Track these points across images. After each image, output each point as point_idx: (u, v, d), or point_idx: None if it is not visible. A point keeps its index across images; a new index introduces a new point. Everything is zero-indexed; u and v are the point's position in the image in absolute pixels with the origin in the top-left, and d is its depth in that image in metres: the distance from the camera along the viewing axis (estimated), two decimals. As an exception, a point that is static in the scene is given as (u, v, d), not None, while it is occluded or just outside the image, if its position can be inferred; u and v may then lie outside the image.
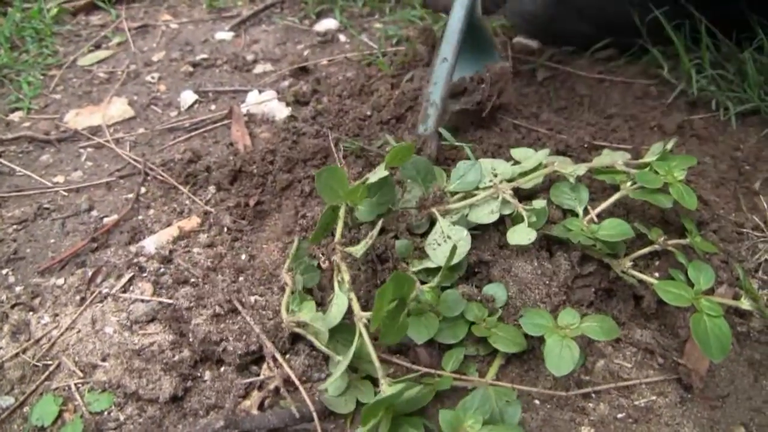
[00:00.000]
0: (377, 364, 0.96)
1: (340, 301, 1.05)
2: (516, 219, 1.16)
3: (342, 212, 1.14)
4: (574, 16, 1.85)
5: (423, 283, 1.10)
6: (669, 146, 1.23)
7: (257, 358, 1.11)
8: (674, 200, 1.16)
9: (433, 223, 1.18)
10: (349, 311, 1.03)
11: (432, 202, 1.19)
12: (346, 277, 1.06)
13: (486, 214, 1.17)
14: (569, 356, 0.98)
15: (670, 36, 1.71)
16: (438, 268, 1.10)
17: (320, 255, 1.20)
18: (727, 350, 0.98)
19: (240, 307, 1.14)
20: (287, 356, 1.09)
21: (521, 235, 1.12)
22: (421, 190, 1.21)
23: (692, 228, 1.18)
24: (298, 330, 1.07)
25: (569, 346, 0.99)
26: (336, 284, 1.08)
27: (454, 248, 1.04)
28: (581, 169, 1.22)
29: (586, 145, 1.47)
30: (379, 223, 1.11)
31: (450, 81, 1.39)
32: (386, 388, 0.94)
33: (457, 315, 1.08)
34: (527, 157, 1.29)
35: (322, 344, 1.03)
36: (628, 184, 1.20)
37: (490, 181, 1.22)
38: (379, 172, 1.14)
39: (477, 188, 1.21)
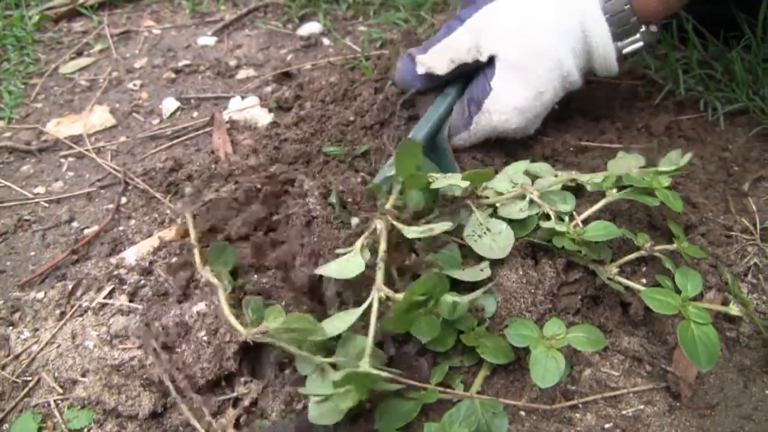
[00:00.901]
0: (370, 340, 0.94)
1: (358, 260, 1.03)
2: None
3: (397, 188, 1.13)
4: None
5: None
6: (686, 159, 1.22)
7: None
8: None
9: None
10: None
11: (466, 195, 1.18)
12: (383, 246, 1.04)
13: (516, 212, 1.17)
14: (555, 368, 0.97)
15: (657, 35, 1.70)
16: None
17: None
18: (715, 359, 0.96)
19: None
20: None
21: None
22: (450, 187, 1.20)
23: (679, 233, 1.16)
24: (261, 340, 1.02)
25: (555, 357, 0.98)
26: (359, 244, 1.06)
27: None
28: (599, 177, 1.22)
29: (572, 149, 1.46)
30: (446, 225, 1.08)
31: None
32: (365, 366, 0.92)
33: (448, 322, 1.06)
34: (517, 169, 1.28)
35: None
36: (614, 191, 1.18)
37: (513, 186, 1.21)
38: (452, 178, 1.15)
39: (498, 193, 1.21)
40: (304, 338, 0.97)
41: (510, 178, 1.24)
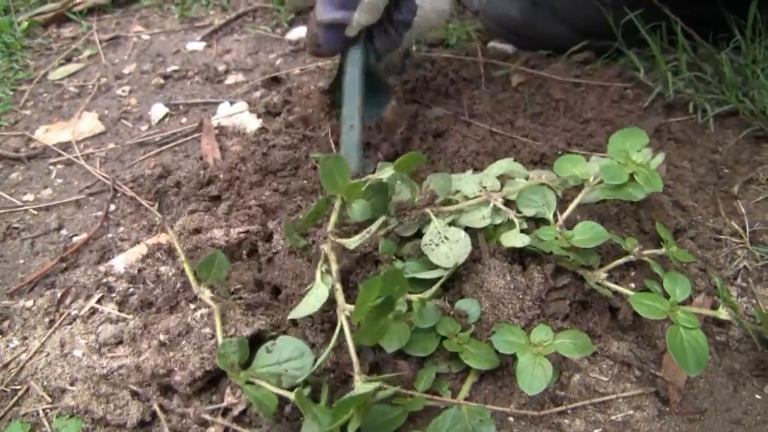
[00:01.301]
0: (355, 358, 0.94)
1: (320, 291, 1.03)
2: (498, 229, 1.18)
3: (337, 205, 1.12)
4: (549, 19, 1.84)
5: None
6: (660, 160, 1.22)
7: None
8: (646, 206, 1.15)
9: (420, 229, 1.18)
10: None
11: (425, 203, 1.18)
12: (334, 267, 1.04)
13: (478, 219, 1.17)
14: (542, 374, 0.96)
15: (646, 38, 1.69)
16: (424, 281, 1.10)
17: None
18: (704, 364, 0.96)
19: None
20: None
21: (514, 238, 1.12)
22: (410, 193, 1.20)
23: (668, 237, 1.16)
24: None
25: (542, 363, 0.97)
26: (318, 275, 1.06)
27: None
28: (578, 171, 1.22)
29: (560, 152, 1.45)
30: (381, 220, 1.10)
31: (361, 148, 1.38)
32: (360, 386, 0.91)
33: (429, 327, 1.05)
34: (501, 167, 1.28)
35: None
36: (591, 179, 1.19)
37: (480, 191, 1.21)
38: (386, 172, 1.14)
39: (466, 198, 1.21)
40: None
41: (480, 180, 1.24)
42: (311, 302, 1.02)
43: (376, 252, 1.16)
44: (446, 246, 1.11)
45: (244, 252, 1.26)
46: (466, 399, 1.02)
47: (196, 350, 1.06)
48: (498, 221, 1.17)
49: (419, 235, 1.17)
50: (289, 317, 1.05)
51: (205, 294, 1.08)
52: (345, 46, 1.40)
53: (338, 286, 1.02)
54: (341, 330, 0.97)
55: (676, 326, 0.99)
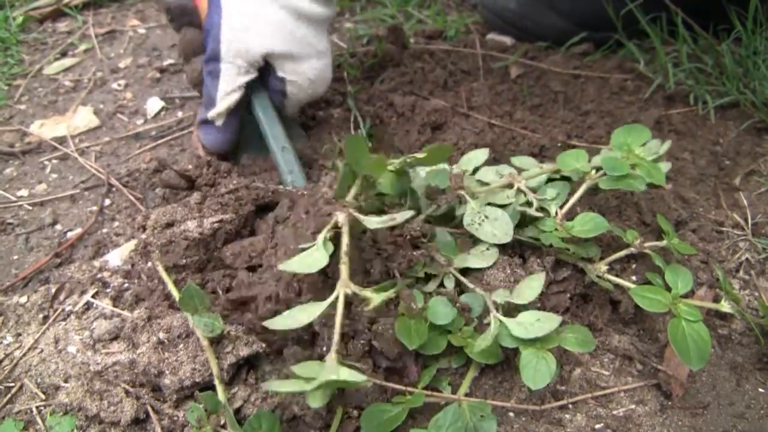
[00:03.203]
0: (337, 337, 0.89)
1: (319, 255, 0.97)
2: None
3: (359, 180, 1.10)
4: (547, 10, 1.83)
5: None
6: (665, 149, 1.21)
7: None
8: (647, 198, 1.14)
9: (450, 211, 1.19)
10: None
11: (456, 187, 1.17)
12: (346, 240, 0.98)
13: (502, 199, 1.16)
14: (546, 369, 0.95)
15: (646, 29, 1.68)
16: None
17: None
18: (706, 357, 0.95)
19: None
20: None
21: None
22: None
23: (669, 229, 1.15)
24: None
25: (545, 358, 0.96)
26: (321, 238, 1.00)
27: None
28: (580, 163, 1.21)
29: (560, 145, 1.44)
30: (408, 213, 1.05)
31: (300, 165, 1.38)
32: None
33: (441, 324, 1.03)
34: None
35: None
36: (592, 172, 1.17)
37: (500, 177, 1.22)
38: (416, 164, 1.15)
39: (488, 184, 1.21)
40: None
41: (496, 170, 1.23)
42: (307, 262, 0.96)
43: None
44: (489, 224, 1.11)
45: (219, 242, 1.23)
46: (466, 394, 1.00)
47: (190, 358, 1.04)
48: (520, 201, 1.17)
49: (447, 218, 1.18)
50: (279, 267, 0.97)
51: (199, 332, 1.06)
52: (226, 140, 1.42)
53: (346, 259, 0.96)
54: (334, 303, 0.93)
55: (678, 319, 0.98)
